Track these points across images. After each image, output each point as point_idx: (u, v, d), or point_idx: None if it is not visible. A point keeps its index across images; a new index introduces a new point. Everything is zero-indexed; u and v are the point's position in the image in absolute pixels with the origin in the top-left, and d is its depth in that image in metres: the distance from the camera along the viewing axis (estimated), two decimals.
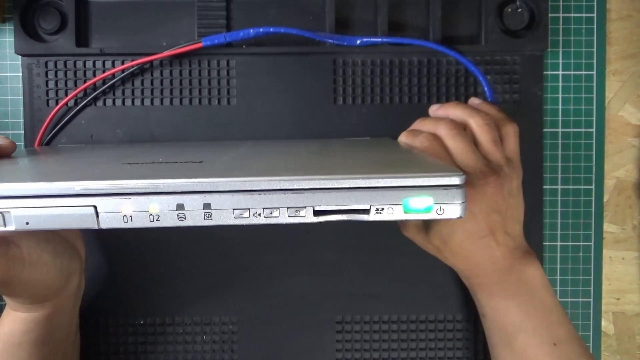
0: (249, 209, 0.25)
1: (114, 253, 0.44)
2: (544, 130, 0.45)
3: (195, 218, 0.25)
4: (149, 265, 0.44)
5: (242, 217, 0.25)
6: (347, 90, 0.44)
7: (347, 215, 0.26)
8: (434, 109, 0.40)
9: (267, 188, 0.25)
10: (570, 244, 0.46)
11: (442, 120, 0.37)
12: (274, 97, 0.44)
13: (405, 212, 0.26)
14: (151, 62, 0.43)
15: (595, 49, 0.45)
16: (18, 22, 0.42)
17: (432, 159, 0.32)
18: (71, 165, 0.32)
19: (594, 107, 0.45)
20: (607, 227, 0.46)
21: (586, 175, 0.46)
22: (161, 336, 0.44)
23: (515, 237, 0.37)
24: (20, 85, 0.44)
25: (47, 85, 0.44)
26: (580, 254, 0.46)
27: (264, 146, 0.38)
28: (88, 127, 0.44)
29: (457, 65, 0.44)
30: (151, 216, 0.25)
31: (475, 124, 0.37)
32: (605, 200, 0.46)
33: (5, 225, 0.25)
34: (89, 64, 0.44)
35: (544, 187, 0.45)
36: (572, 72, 0.45)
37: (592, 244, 0.46)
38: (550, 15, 0.45)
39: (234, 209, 0.25)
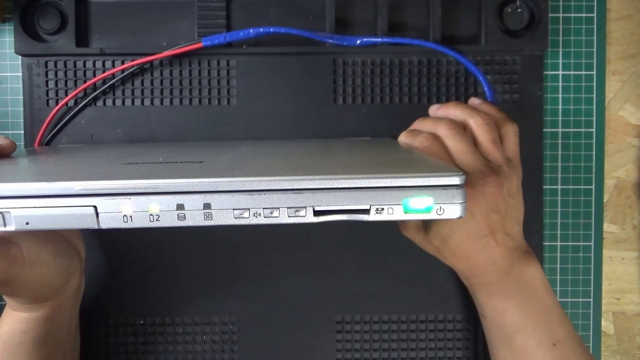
0: (249, 209, 0.25)
1: (114, 253, 0.44)
2: (544, 130, 0.45)
3: (195, 218, 0.25)
4: (149, 265, 0.44)
5: (242, 217, 0.25)
6: (347, 90, 0.44)
7: (347, 215, 0.26)
8: (434, 109, 0.40)
9: (267, 188, 0.25)
10: (570, 244, 0.46)
11: (442, 120, 0.37)
12: (274, 97, 0.44)
13: (405, 212, 0.26)
14: (151, 62, 0.43)
15: (595, 49, 0.45)
16: (18, 22, 0.42)
17: (432, 159, 0.32)
18: (71, 165, 0.32)
19: (594, 107, 0.45)
20: (607, 227, 0.46)
21: (586, 175, 0.45)
22: (161, 336, 0.44)
23: (515, 237, 0.37)
24: (20, 85, 0.44)
25: (47, 85, 0.44)
26: (580, 254, 0.46)
27: (264, 146, 0.38)
28: (88, 127, 0.44)
29: (457, 65, 0.44)
30: (151, 216, 0.25)
31: (475, 123, 0.37)
32: (605, 200, 0.46)
33: (5, 225, 0.25)
34: (89, 64, 0.44)
35: (544, 187, 0.45)
36: (572, 72, 0.45)
37: (592, 244, 0.46)
38: (550, 15, 0.45)
39: (234, 209, 0.25)
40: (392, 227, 0.41)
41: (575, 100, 0.45)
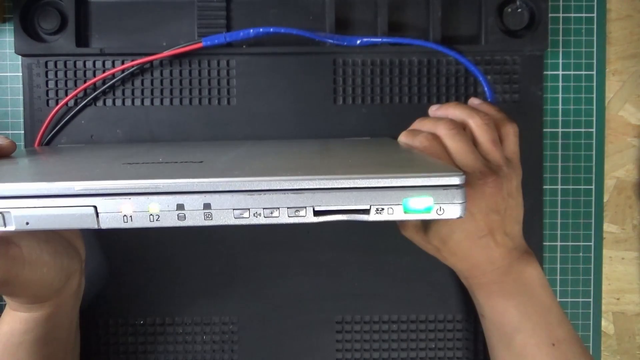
0: (249, 209, 0.25)
1: (114, 253, 0.44)
2: (544, 130, 0.45)
3: (195, 218, 0.25)
4: (149, 265, 0.44)
5: (242, 217, 0.25)
6: (347, 90, 0.44)
7: (347, 215, 0.26)
8: (434, 109, 0.40)
9: (267, 188, 0.25)
10: (570, 244, 0.46)
11: (441, 120, 0.37)
12: (274, 97, 0.44)
13: (405, 212, 0.26)
14: (151, 62, 0.43)
15: (595, 49, 0.45)
16: (18, 22, 0.42)
17: (432, 159, 0.32)
18: (71, 165, 0.32)
19: (594, 107, 0.45)
20: (607, 227, 0.46)
21: (586, 175, 0.45)
22: (161, 336, 0.44)
23: (514, 237, 0.37)
24: (20, 85, 0.44)
25: (47, 85, 0.44)
26: (580, 254, 0.46)
27: (264, 146, 0.38)
28: (88, 127, 0.44)
29: (457, 65, 0.44)
30: (151, 216, 0.25)
31: (475, 124, 0.37)
32: (605, 200, 0.46)
33: (5, 225, 0.25)
34: (89, 64, 0.44)
35: (544, 187, 0.45)
36: (572, 72, 0.45)
37: (592, 244, 0.46)
38: (550, 15, 0.45)
39: (234, 209, 0.25)
40: (392, 227, 0.41)
41: (575, 100, 0.45)
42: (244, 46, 0.44)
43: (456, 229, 0.35)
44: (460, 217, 0.26)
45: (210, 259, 0.44)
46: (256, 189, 0.25)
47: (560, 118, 0.45)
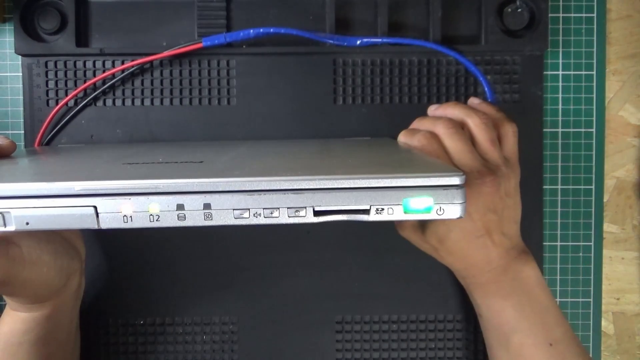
0: (249, 209, 0.25)
1: (114, 253, 0.44)
2: (544, 130, 0.45)
3: (195, 218, 0.25)
4: (149, 265, 0.44)
5: (242, 218, 0.25)
6: (347, 90, 0.44)
7: (347, 215, 0.26)
8: (433, 109, 0.40)
9: (267, 188, 0.25)
10: (570, 244, 0.46)
11: (440, 119, 0.37)
12: (274, 97, 0.44)
13: (405, 213, 0.26)
14: (151, 62, 0.43)
15: (595, 49, 0.45)
16: (18, 22, 0.42)
17: (432, 159, 0.32)
18: (71, 165, 0.32)
19: (594, 107, 0.45)
20: (607, 227, 0.46)
21: (586, 175, 0.45)
22: (161, 336, 0.44)
23: (512, 237, 0.37)
24: (20, 85, 0.44)
25: (47, 85, 0.44)
26: (580, 254, 0.46)
27: (264, 146, 0.38)
28: (88, 127, 0.44)
29: (457, 65, 0.44)
30: (151, 216, 0.25)
31: (473, 123, 0.37)
32: (605, 200, 0.46)
33: (5, 225, 0.25)
34: (89, 64, 0.44)
35: (544, 187, 0.45)
36: (572, 72, 0.45)
37: (592, 244, 0.46)
38: (550, 15, 0.45)
39: (234, 209, 0.25)
40: (392, 227, 0.41)
41: (575, 100, 0.45)
42: (244, 46, 0.44)
43: (453, 229, 0.35)
44: (461, 217, 0.26)
45: (210, 259, 0.44)
46: (256, 189, 0.25)
47: (560, 118, 0.45)
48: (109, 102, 0.44)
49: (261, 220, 0.25)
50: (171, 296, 0.44)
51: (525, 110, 0.44)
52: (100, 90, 0.44)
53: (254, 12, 0.44)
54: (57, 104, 0.43)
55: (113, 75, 0.43)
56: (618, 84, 0.46)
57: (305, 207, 0.25)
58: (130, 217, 0.25)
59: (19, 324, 0.35)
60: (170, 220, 0.25)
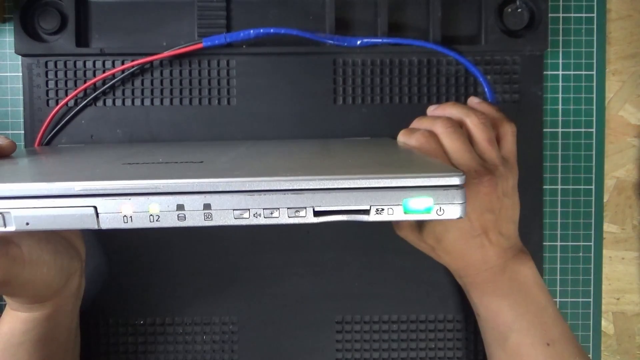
0: (249, 209, 0.25)
1: (114, 253, 0.44)
2: (544, 130, 0.45)
3: (195, 218, 0.25)
4: (149, 265, 0.44)
5: (242, 218, 0.25)
6: (347, 90, 0.44)
7: (347, 215, 0.26)
8: (432, 109, 0.40)
9: (267, 188, 0.25)
10: (570, 244, 0.46)
11: (439, 118, 0.37)
12: (274, 97, 0.44)
13: (405, 213, 0.26)
14: (151, 62, 0.43)
15: (595, 49, 0.45)
16: (18, 22, 0.42)
17: (432, 159, 0.32)
18: (71, 165, 0.32)
19: (594, 107, 0.45)
20: (607, 227, 0.46)
21: (586, 175, 0.45)
22: (161, 336, 0.44)
23: (509, 237, 0.37)
24: (20, 85, 0.44)
25: (47, 85, 0.44)
26: (580, 254, 0.46)
27: (264, 146, 0.38)
28: (88, 127, 0.44)
29: (457, 66, 0.44)
30: (151, 216, 0.25)
31: (471, 123, 0.37)
32: (605, 200, 0.46)
33: (5, 225, 0.25)
34: (89, 64, 0.44)
35: (544, 187, 0.45)
36: (572, 72, 0.45)
37: (592, 244, 0.46)
38: (550, 15, 0.45)
39: (234, 210, 0.25)
40: (392, 227, 0.41)
41: (575, 100, 0.45)
42: (244, 46, 0.44)
43: (450, 228, 0.35)
44: (461, 217, 0.26)
45: (210, 259, 0.44)
46: (256, 189, 0.25)
47: (560, 118, 0.45)
48: (109, 102, 0.44)
49: (261, 221, 0.25)
50: (171, 296, 0.44)
51: (525, 110, 0.44)
52: (100, 90, 0.44)
53: (254, 12, 0.44)
54: (57, 104, 0.43)
55: (113, 76, 0.43)
56: (618, 84, 0.46)
57: (305, 208, 0.25)
58: (130, 217, 0.25)
59: (19, 324, 0.35)
60: (170, 221, 0.25)
